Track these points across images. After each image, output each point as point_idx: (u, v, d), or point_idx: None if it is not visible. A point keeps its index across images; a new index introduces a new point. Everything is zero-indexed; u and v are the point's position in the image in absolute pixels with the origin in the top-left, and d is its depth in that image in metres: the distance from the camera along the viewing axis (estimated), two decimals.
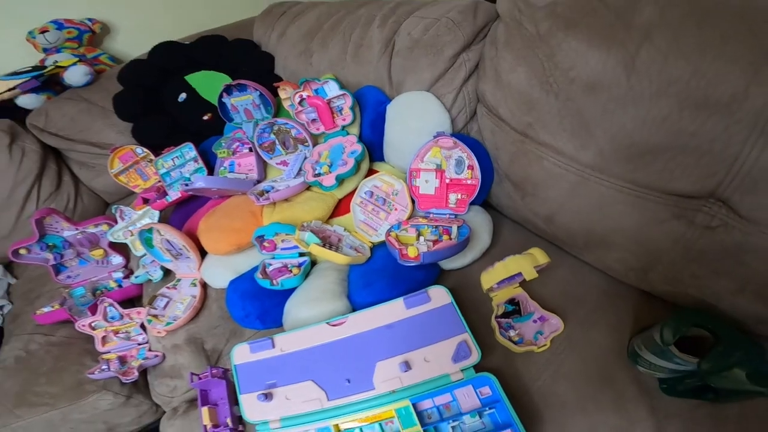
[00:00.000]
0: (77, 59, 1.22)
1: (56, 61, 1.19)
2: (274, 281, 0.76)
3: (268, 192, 0.85)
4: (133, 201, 1.16)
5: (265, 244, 0.80)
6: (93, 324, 0.87)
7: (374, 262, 0.79)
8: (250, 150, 0.91)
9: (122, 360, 0.84)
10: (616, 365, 0.65)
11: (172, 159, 1.10)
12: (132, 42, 1.48)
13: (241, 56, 1.32)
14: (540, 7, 0.67)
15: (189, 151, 1.10)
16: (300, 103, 0.90)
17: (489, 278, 0.69)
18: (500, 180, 0.85)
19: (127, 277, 1.02)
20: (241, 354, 0.71)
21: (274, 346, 0.70)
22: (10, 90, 1.11)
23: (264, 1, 1.53)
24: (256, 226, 0.82)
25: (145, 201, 1.16)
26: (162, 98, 1.23)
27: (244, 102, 1.16)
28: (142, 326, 0.89)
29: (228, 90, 1.13)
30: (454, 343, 0.62)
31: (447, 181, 0.83)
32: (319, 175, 0.84)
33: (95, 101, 1.20)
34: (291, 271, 0.78)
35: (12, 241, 1.15)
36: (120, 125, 1.22)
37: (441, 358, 0.62)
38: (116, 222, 1.00)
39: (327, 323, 0.69)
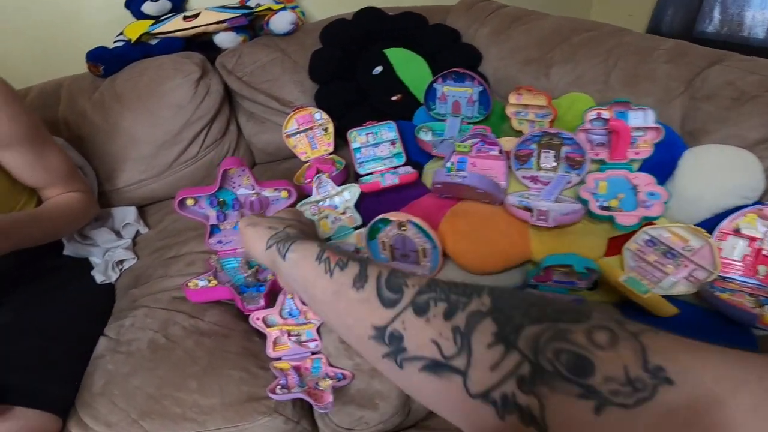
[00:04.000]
0: (282, 5, 1.11)
1: (259, 4, 1.09)
2: None
3: (535, 209, 0.68)
4: (301, 169, 1.02)
5: (541, 273, 0.63)
6: (267, 319, 0.66)
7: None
8: (500, 152, 0.74)
9: (298, 372, 0.65)
10: None
11: (366, 135, 0.95)
12: (317, 1, 1.37)
13: (444, 43, 1.17)
14: None
15: (388, 131, 0.95)
16: (592, 120, 0.73)
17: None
18: None
19: None
20: None
21: None
22: (218, 23, 1.00)
23: None
24: (524, 248, 0.66)
25: (317, 172, 1.02)
26: (356, 66, 1.10)
27: (459, 94, 1.00)
28: (318, 331, 0.71)
29: (443, 76, 0.98)
30: None
31: (765, 252, 0.66)
32: (608, 209, 0.66)
33: (290, 53, 1.08)
34: None
35: (160, 183, 1.03)
36: (305, 84, 1.10)
37: None
38: (293, 191, 0.82)
39: None
